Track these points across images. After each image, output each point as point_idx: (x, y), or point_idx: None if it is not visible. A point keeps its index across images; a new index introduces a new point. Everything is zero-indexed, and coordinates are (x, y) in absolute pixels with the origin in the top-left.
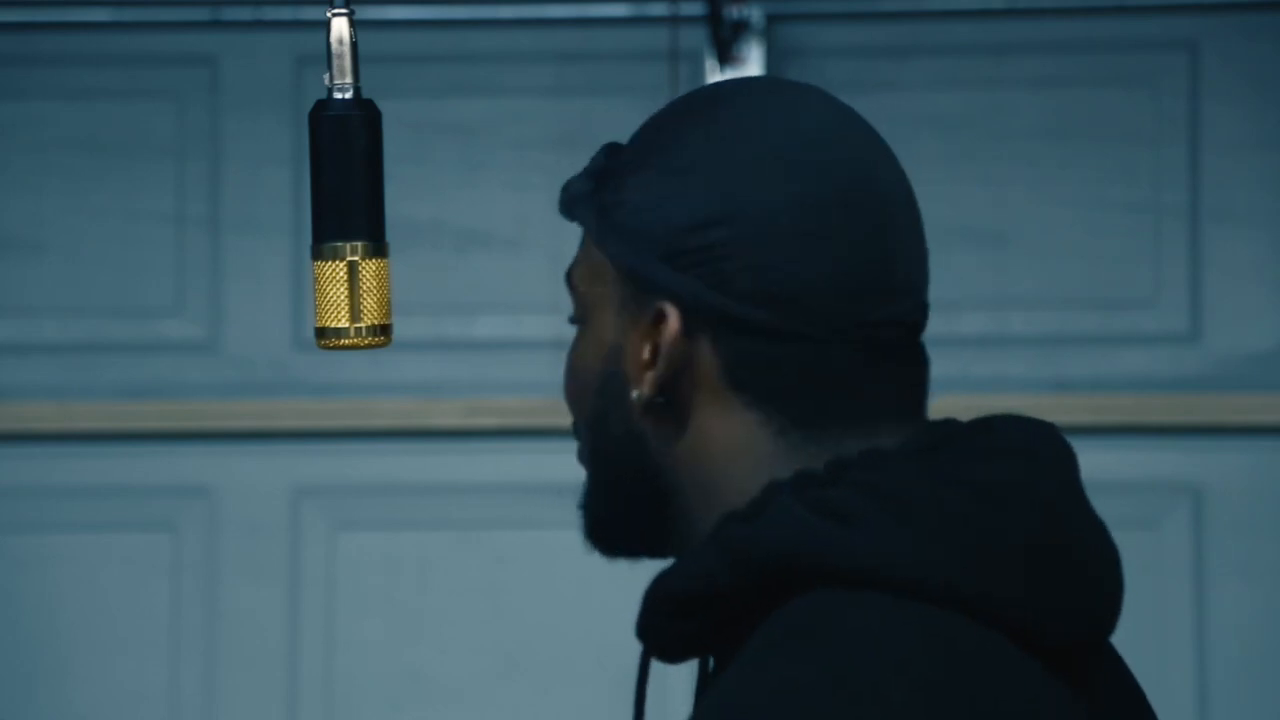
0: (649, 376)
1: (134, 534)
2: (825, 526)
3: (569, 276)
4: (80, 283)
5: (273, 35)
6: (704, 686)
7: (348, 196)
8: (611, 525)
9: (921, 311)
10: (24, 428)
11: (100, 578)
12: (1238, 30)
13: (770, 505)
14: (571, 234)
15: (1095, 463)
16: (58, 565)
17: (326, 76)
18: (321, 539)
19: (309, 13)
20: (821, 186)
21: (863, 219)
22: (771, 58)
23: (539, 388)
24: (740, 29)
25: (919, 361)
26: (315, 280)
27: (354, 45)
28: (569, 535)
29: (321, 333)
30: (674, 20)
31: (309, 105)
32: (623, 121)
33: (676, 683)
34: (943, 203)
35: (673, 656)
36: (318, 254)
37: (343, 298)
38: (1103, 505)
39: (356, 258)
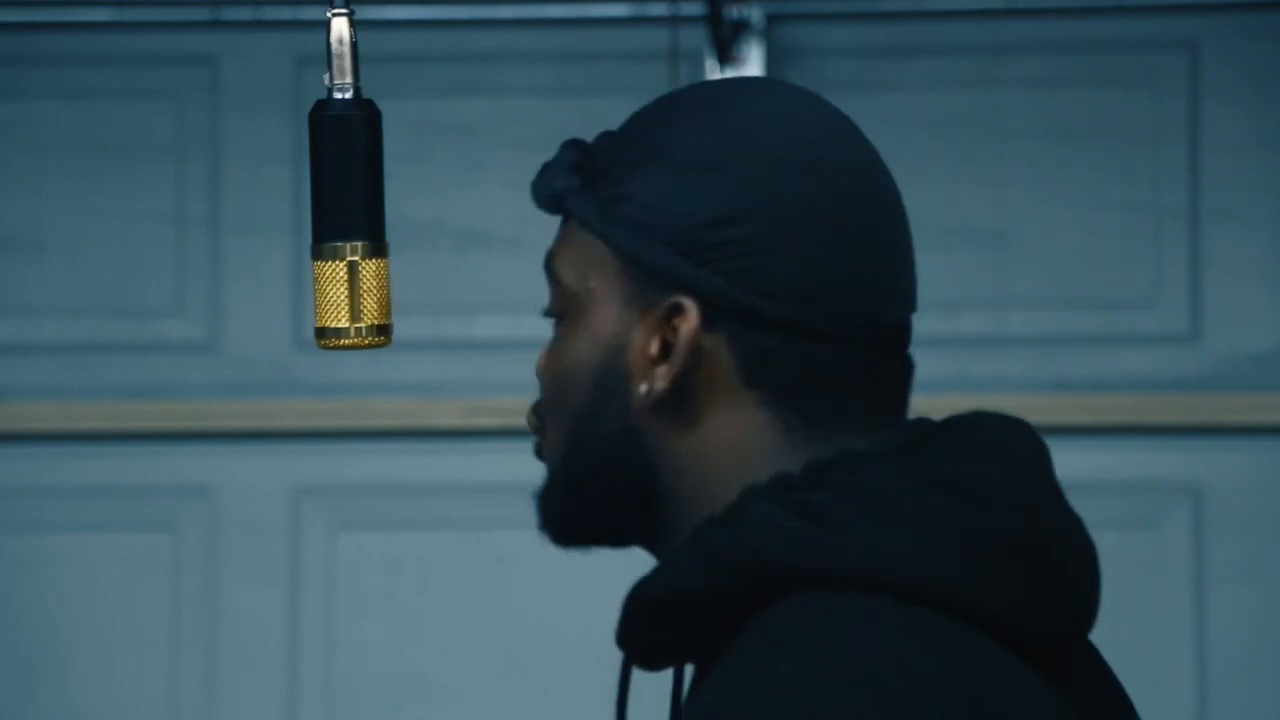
0: (660, 371)
1: (134, 534)
2: (807, 530)
3: (550, 268)
4: (80, 283)
5: (273, 35)
6: (679, 693)
7: (348, 196)
8: (576, 521)
9: (912, 315)
10: (24, 428)
11: (100, 578)
12: (1238, 30)
13: (749, 509)
14: None
15: (1095, 463)
16: (58, 565)
17: (326, 76)
18: (321, 539)
19: (309, 13)
20: (836, 185)
21: (871, 219)
22: (771, 58)
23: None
24: (740, 29)
25: (908, 364)
26: (315, 280)
27: (354, 45)
28: None
29: (321, 333)
30: (674, 20)
31: (309, 105)
32: (621, 122)
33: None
34: (943, 203)
35: (653, 663)
36: (318, 254)
37: (343, 298)
38: (1103, 505)
39: (356, 258)
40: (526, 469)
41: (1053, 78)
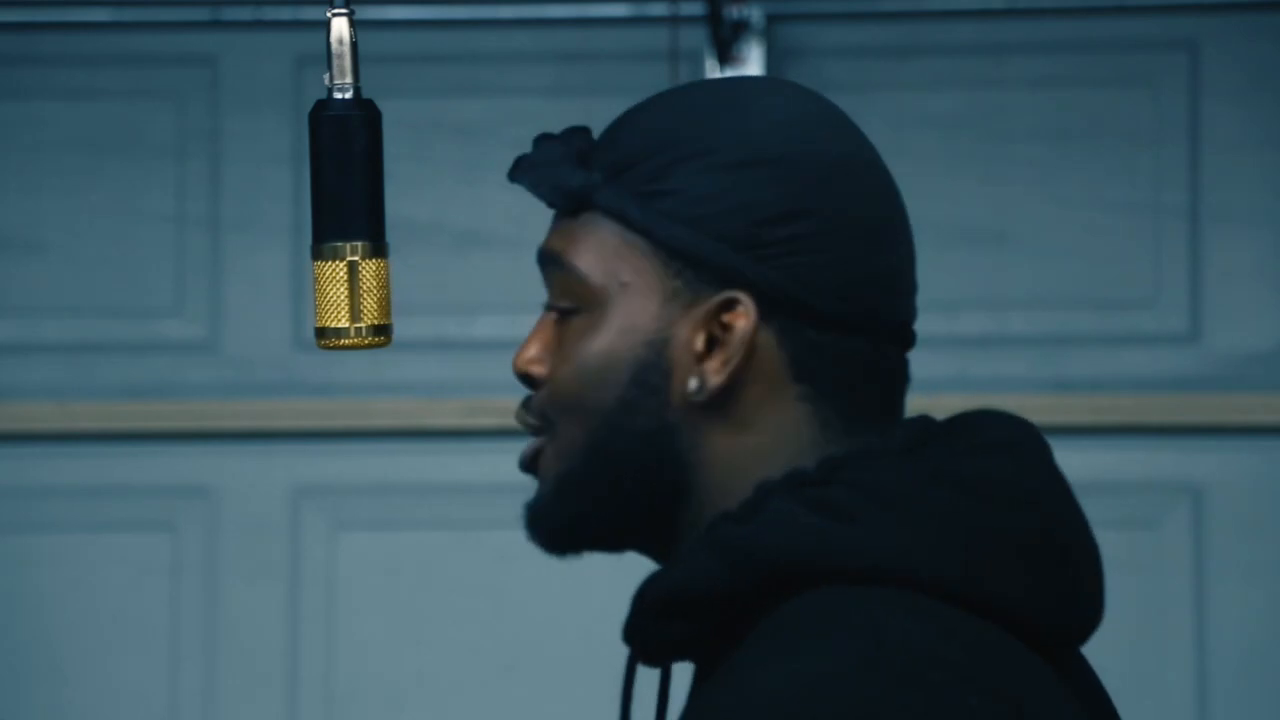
0: (712, 366)
1: (134, 534)
2: (826, 525)
3: (562, 262)
4: (80, 283)
5: (273, 35)
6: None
7: (348, 196)
8: (580, 526)
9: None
10: (24, 428)
11: (100, 578)
12: (1238, 30)
13: (765, 505)
14: None
15: (1095, 463)
16: (58, 565)
17: (326, 76)
18: (321, 539)
19: (309, 13)
20: (871, 184)
21: (897, 217)
22: (771, 58)
23: None
24: (740, 29)
25: (908, 362)
26: (315, 280)
27: (354, 45)
28: None
29: (321, 333)
30: (674, 20)
31: (309, 105)
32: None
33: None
34: (943, 203)
35: (656, 659)
36: (318, 254)
37: (343, 298)
38: (1103, 505)
39: (356, 258)
40: None
41: (1053, 78)
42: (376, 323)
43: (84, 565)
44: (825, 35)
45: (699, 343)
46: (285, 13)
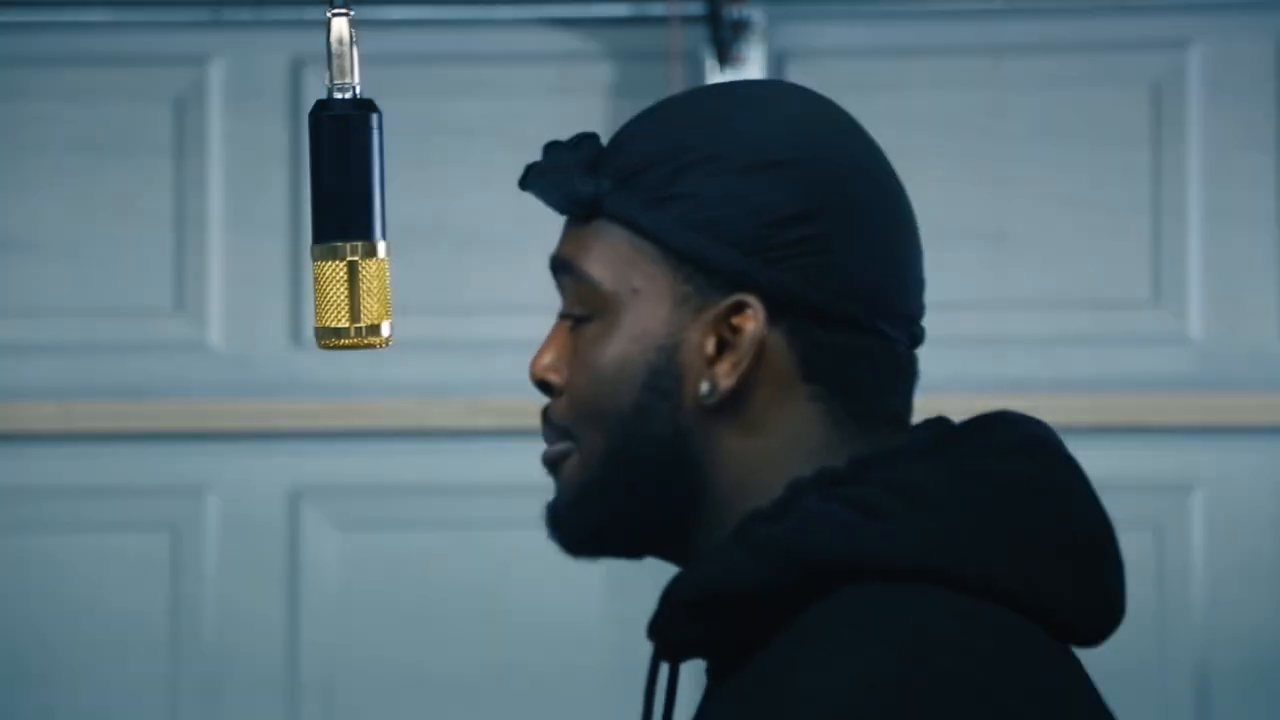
0: (723, 369)
1: (134, 534)
2: (861, 523)
3: (574, 269)
4: (80, 283)
5: (273, 35)
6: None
7: (348, 196)
8: (605, 531)
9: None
10: (24, 428)
11: (100, 578)
12: (1237, 30)
13: (798, 503)
14: None
15: (1095, 463)
16: (58, 565)
17: (326, 76)
18: (321, 539)
19: (309, 13)
20: (883, 185)
21: (907, 218)
22: (771, 58)
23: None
24: (740, 29)
25: (917, 361)
26: (315, 280)
27: (354, 45)
28: None
29: (321, 333)
30: (674, 20)
31: (309, 105)
32: (623, 122)
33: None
34: (943, 203)
35: (678, 655)
36: (318, 254)
37: (343, 298)
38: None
39: (356, 258)
40: (527, 469)
41: (1053, 78)
42: (376, 323)
43: (84, 565)
44: (825, 35)
45: (709, 346)
46: (285, 13)
